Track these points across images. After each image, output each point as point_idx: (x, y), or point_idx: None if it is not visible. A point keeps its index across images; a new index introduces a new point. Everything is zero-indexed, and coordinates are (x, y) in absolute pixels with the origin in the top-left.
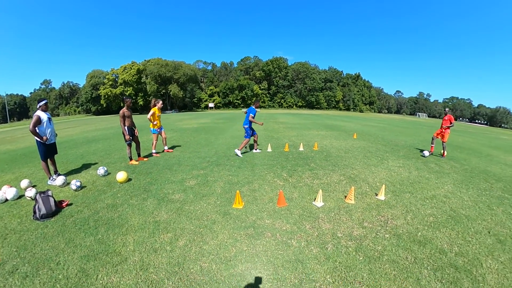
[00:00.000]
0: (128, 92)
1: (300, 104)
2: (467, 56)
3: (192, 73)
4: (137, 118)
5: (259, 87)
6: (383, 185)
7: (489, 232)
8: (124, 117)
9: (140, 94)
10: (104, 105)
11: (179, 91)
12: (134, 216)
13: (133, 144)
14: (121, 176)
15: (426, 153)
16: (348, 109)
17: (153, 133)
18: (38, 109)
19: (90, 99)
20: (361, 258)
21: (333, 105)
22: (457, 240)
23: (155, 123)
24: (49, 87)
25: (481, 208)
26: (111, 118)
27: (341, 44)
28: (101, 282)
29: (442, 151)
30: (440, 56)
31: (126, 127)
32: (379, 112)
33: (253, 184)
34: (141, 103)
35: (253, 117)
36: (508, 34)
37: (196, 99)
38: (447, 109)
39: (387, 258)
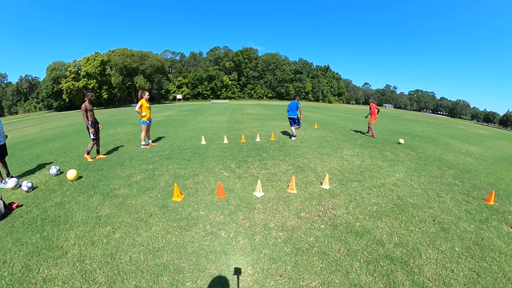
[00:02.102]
0: (92, 85)
1: (270, 95)
2: (432, 52)
3: (160, 64)
4: (100, 113)
5: (229, 77)
6: (327, 174)
7: (434, 220)
8: (86, 111)
9: (104, 87)
10: (67, 100)
11: (145, 82)
12: (79, 212)
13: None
14: (71, 174)
15: (402, 140)
16: (317, 100)
17: (143, 124)
18: None
19: (51, 94)
20: (288, 250)
21: (303, 96)
22: (399, 230)
23: (144, 114)
24: (5, 81)
25: (430, 195)
26: (74, 114)
27: (311, 36)
28: (41, 275)
29: (371, 132)
30: (407, 51)
31: (90, 122)
32: (348, 103)
33: (199, 177)
34: (105, 96)
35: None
36: (468, 34)
37: (163, 90)
38: (370, 100)
39: (317, 250)
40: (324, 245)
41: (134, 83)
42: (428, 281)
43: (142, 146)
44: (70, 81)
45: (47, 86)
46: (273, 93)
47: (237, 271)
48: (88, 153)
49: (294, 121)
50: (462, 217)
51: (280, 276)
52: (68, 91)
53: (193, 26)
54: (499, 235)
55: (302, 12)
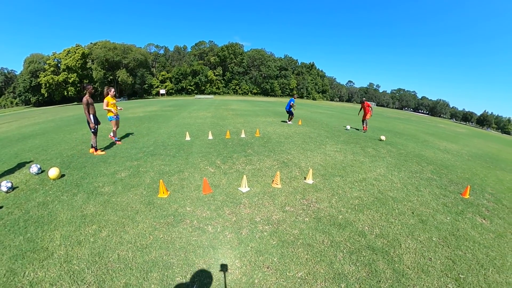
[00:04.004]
0: (72, 79)
1: (255, 91)
2: (415, 53)
3: (143, 58)
4: (82, 108)
5: (214, 73)
6: (310, 169)
7: (412, 213)
8: (88, 104)
9: (85, 81)
10: (46, 95)
11: (128, 77)
12: (63, 211)
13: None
14: (53, 172)
15: (383, 137)
16: (301, 97)
17: (110, 120)
18: None
19: (29, 88)
20: (274, 242)
21: (288, 92)
22: (380, 222)
23: (113, 109)
24: None
25: (409, 189)
26: (53, 109)
27: (297, 33)
28: (28, 278)
29: (364, 126)
30: (391, 51)
31: (91, 115)
32: (331, 100)
33: (184, 173)
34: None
35: (294, 104)
36: (450, 38)
37: (146, 85)
38: (364, 98)
39: (302, 242)
40: (309, 237)
41: (117, 78)
42: (408, 269)
43: (116, 142)
44: (49, 75)
45: (25, 80)
46: (258, 89)
47: (224, 267)
48: (96, 149)
49: (287, 112)
50: (439, 209)
51: (267, 268)
52: (47, 85)
53: (178, 20)
54: (473, 226)
55: (288, 9)
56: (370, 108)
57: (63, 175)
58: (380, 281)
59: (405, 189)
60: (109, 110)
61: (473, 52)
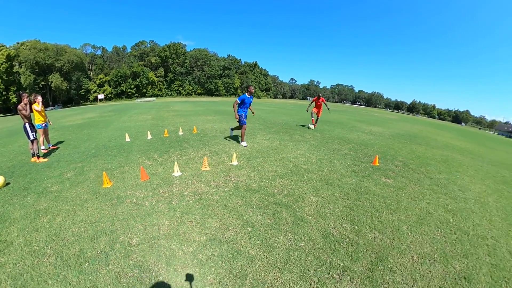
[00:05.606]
0: None
1: (199, 91)
2: (353, 53)
3: (78, 60)
4: (9, 121)
5: (155, 74)
6: (234, 153)
7: (321, 179)
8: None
9: (12, 88)
10: None
11: (62, 82)
12: (15, 211)
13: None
14: None
15: (312, 126)
16: None
17: (38, 128)
18: None
19: None
20: (197, 206)
21: (232, 92)
22: (289, 186)
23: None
24: None
25: (323, 163)
26: None
27: (240, 33)
28: None
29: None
30: (329, 50)
31: (27, 124)
32: (275, 97)
33: (125, 167)
34: (14, 100)
35: (239, 103)
36: (383, 37)
37: (83, 90)
38: (320, 94)
39: (220, 204)
40: (226, 200)
41: (49, 83)
42: (307, 216)
43: (42, 150)
44: None
45: None
46: (202, 90)
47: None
48: (38, 157)
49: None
50: (347, 175)
51: (190, 222)
52: None
53: (116, 17)
54: (376, 184)
55: (231, 9)
56: (325, 104)
57: (8, 183)
58: (281, 225)
59: (319, 163)
60: (37, 117)
61: (404, 50)
